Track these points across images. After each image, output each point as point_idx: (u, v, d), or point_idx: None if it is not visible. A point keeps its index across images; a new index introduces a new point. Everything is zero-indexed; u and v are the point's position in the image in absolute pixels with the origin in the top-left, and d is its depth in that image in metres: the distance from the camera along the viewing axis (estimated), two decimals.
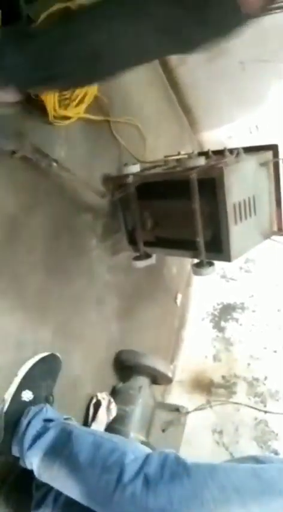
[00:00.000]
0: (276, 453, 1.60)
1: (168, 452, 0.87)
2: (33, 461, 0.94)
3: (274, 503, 0.75)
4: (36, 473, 0.94)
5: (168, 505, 0.76)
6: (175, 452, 0.86)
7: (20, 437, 0.97)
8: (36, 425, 0.98)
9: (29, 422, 0.99)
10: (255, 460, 0.83)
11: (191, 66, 1.66)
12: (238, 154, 1.22)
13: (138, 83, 1.54)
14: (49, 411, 1.03)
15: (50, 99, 1.04)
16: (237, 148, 1.24)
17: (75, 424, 1.07)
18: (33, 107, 1.08)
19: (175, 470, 0.81)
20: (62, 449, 0.93)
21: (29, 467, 0.95)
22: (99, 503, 0.85)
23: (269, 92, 1.72)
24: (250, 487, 0.76)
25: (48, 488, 1.00)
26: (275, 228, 1.33)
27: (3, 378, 1.04)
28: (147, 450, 0.93)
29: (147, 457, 0.87)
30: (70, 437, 0.95)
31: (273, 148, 1.28)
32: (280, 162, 1.26)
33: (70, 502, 0.96)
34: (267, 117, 1.82)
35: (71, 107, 1.16)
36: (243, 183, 1.16)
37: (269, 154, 1.27)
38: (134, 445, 0.96)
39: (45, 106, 1.07)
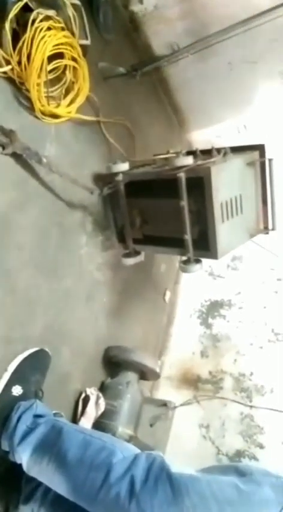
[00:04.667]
0: (261, 447, 1.64)
1: (155, 455, 0.89)
2: (23, 456, 0.95)
3: (256, 500, 0.78)
4: (25, 467, 0.96)
5: (148, 510, 0.78)
6: (162, 457, 0.88)
7: (10, 433, 0.98)
8: (26, 421, 1.00)
9: (19, 418, 1.00)
10: (236, 470, 0.85)
11: (181, 66, 1.67)
12: (225, 153, 1.24)
13: (128, 83, 1.55)
14: (39, 407, 1.05)
15: (34, 92, 1.05)
16: (224, 148, 1.26)
17: (65, 421, 1.09)
18: (22, 101, 1.09)
19: (160, 475, 0.83)
20: (51, 446, 0.95)
21: (18, 461, 0.97)
22: (84, 500, 0.87)
23: (257, 93, 1.75)
24: (230, 498, 0.78)
25: (38, 483, 1.02)
26: (261, 226, 1.36)
27: None
28: (136, 450, 0.95)
29: (135, 458, 0.89)
30: (60, 434, 0.97)
31: (260, 148, 1.31)
32: (266, 162, 1.28)
33: (59, 498, 0.98)
34: (255, 117, 1.84)
35: (62, 106, 1.17)
36: (230, 182, 1.18)
37: (256, 154, 1.30)
38: (123, 445, 0.98)
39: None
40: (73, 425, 1.10)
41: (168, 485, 0.80)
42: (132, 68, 1.54)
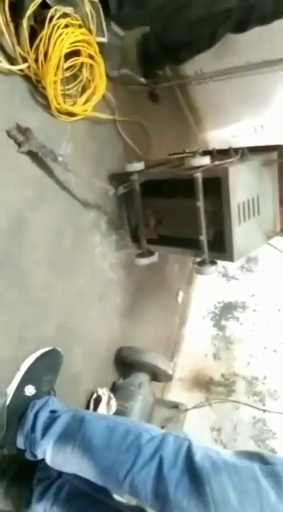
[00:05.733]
0: (274, 452, 1.62)
1: (183, 439, 0.89)
2: (47, 448, 0.96)
3: (272, 500, 0.76)
4: (48, 459, 0.96)
5: (171, 493, 0.80)
6: (190, 440, 0.88)
7: (28, 429, 0.99)
8: (43, 416, 1.00)
9: (36, 414, 1.00)
10: (261, 458, 0.84)
11: (198, 65, 1.65)
12: (243, 154, 1.22)
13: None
14: (55, 402, 1.05)
15: (50, 89, 1.04)
16: (242, 148, 1.24)
17: (84, 410, 1.08)
18: (39, 99, 1.08)
19: (185, 462, 0.84)
20: (75, 434, 0.95)
21: (40, 456, 0.97)
22: (113, 483, 0.89)
23: (275, 92, 1.72)
24: (248, 491, 0.78)
25: (50, 482, 1.02)
26: (278, 229, 1.33)
27: (6, 373, 1.05)
28: (161, 430, 0.95)
29: (164, 438, 0.90)
30: (82, 422, 0.97)
31: (278, 148, 1.28)
32: None
33: (72, 496, 0.99)
34: (273, 117, 1.81)
35: (78, 105, 1.16)
36: (248, 183, 1.16)
37: (274, 155, 1.27)
38: (147, 425, 0.99)
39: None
40: (93, 413, 1.12)
41: (191, 473, 0.82)
42: (153, 81, 1.57)
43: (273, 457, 0.84)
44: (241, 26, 1.32)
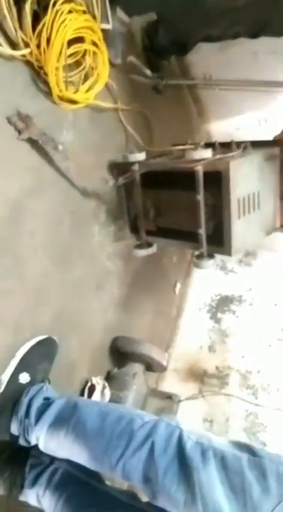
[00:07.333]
0: (264, 445, 1.63)
1: (174, 428, 0.90)
2: (41, 433, 0.97)
3: (255, 495, 0.78)
4: (42, 445, 0.97)
5: (160, 479, 0.82)
6: (181, 429, 0.89)
7: (22, 415, 1.00)
8: (37, 403, 1.01)
9: (30, 401, 1.01)
10: (250, 449, 0.85)
11: (203, 55, 1.63)
12: (245, 148, 1.21)
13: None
14: (49, 390, 1.06)
15: (52, 76, 1.03)
16: (244, 142, 1.23)
17: (78, 396, 1.10)
18: (40, 86, 1.07)
19: (175, 450, 0.85)
20: (68, 419, 0.97)
21: (33, 442, 0.98)
22: (105, 467, 0.91)
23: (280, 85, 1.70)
24: (235, 485, 0.79)
25: (42, 468, 1.03)
26: (278, 224, 1.33)
27: (1, 360, 1.05)
28: (153, 416, 0.97)
29: (155, 425, 0.91)
30: (75, 407, 0.99)
31: (281, 143, 1.27)
32: None
33: (64, 482, 1.00)
34: (277, 110, 1.80)
35: (80, 92, 1.14)
36: (249, 178, 1.16)
37: (276, 150, 1.26)
38: (140, 412, 1.00)
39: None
40: (87, 399, 1.15)
41: (181, 462, 0.83)
42: (159, 76, 1.56)
43: (262, 450, 0.85)
44: (255, 32, 1.33)
